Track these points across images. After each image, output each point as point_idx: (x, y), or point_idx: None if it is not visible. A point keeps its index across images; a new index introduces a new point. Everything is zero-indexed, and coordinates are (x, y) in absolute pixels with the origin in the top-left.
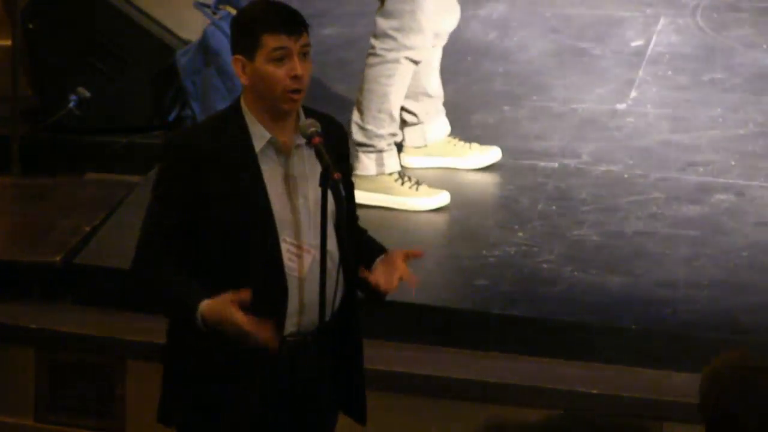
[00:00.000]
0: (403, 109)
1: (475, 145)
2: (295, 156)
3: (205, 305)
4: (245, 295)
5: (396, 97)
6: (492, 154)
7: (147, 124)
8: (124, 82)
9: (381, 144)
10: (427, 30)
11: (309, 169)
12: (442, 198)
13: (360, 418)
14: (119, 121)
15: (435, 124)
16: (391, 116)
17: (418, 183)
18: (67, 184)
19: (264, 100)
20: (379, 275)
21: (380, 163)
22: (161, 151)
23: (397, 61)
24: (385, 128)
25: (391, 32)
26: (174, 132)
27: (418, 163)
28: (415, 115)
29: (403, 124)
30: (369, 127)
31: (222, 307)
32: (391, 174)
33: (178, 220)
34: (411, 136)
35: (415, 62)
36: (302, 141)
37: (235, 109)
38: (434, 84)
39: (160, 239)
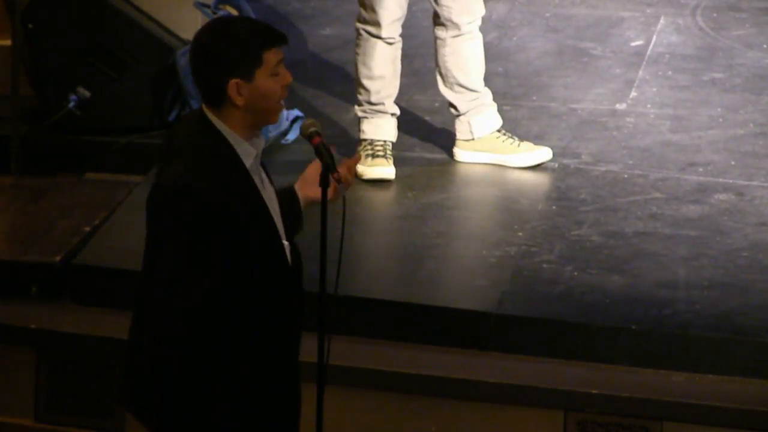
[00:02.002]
0: (448, 101)
1: (524, 144)
2: (257, 160)
3: None
4: None
5: (364, 68)
6: (540, 153)
7: (147, 124)
8: (124, 82)
9: (357, 109)
10: (380, 8)
11: (262, 170)
12: None
13: None
14: (119, 121)
15: (481, 117)
16: (363, 86)
17: (374, 156)
18: (67, 184)
19: (257, 116)
20: (308, 188)
21: (359, 129)
22: (178, 203)
23: (359, 33)
24: (361, 95)
25: (359, 6)
26: (180, 182)
27: (466, 158)
28: (455, 107)
29: (451, 115)
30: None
31: None
32: (364, 140)
33: (220, 274)
34: (458, 128)
35: (380, 38)
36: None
37: (211, 134)
38: (470, 77)
39: (209, 313)
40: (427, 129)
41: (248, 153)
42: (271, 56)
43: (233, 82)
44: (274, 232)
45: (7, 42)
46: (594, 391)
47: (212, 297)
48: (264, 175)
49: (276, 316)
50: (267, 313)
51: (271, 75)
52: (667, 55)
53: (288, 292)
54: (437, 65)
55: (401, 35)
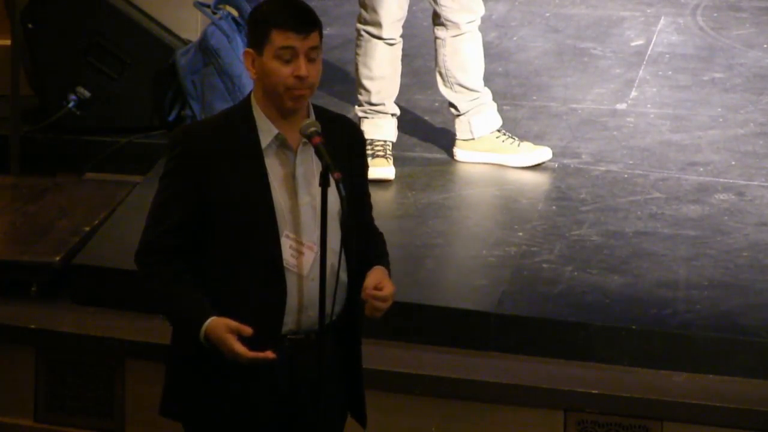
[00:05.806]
0: (448, 101)
1: (524, 144)
2: (303, 154)
3: (209, 327)
4: (245, 329)
5: (364, 68)
6: (540, 153)
7: (147, 124)
8: (124, 82)
9: (357, 110)
10: (381, 9)
11: (317, 167)
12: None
13: (361, 419)
14: (119, 121)
15: (481, 117)
16: (364, 86)
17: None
18: (67, 184)
19: (270, 96)
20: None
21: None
22: (169, 143)
23: (360, 34)
24: (361, 95)
25: (359, 7)
26: (183, 125)
27: (466, 157)
28: (455, 107)
29: (451, 115)
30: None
31: (221, 334)
32: (369, 140)
33: (184, 213)
34: (458, 127)
35: (381, 39)
36: None
37: (245, 104)
38: (470, 77)
39: (165, 233)
40: (427, 129)
41: (268, 130)
42: (278, 37)
43: (248, 51)
44: (255, 209)
45: (7, 42)
46: (594, 391)
47: (166, 238)
48: (309, 167)
49: (256, 285)
50: (246, 277)
51: (275, 56)
52: (667, 55)
53: (266, 267)
54: (437, 65)
55: (401, 35)
